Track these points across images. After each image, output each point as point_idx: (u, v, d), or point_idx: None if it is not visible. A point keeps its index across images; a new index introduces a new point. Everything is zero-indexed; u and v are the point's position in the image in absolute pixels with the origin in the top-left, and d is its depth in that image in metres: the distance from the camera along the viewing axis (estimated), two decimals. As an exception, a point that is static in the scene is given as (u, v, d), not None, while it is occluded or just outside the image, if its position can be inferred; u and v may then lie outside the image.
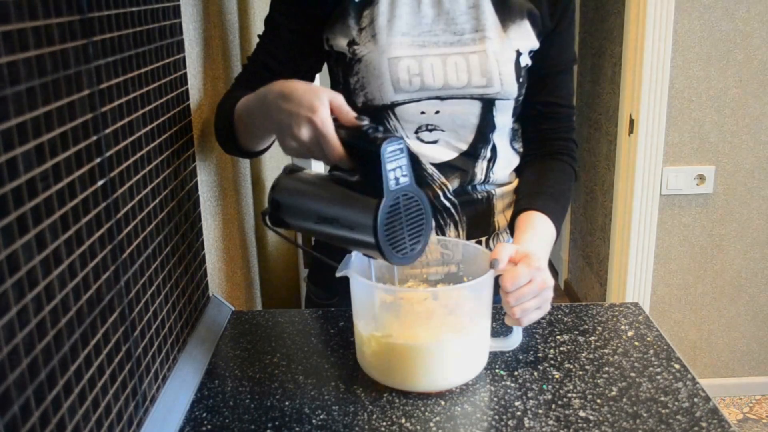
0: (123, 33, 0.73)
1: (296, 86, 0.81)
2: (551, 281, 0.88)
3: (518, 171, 1.15)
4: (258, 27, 1.61)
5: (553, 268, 3.67)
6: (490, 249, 1.02)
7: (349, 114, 0.79)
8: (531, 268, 0.85)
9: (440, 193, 1.06)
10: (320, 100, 0.78)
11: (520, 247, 0.89)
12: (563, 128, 1.12)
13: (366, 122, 0.79)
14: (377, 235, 0.76)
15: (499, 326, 1.02)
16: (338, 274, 0.86)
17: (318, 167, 1.70)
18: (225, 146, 1.04)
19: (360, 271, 0.88)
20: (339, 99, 0.80)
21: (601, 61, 2.83)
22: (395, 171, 0.76)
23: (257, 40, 1.11)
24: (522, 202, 1.06)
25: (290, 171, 0.87)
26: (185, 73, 0.97)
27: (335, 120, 0.79)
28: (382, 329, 0.87)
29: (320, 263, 1.20)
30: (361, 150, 0.77)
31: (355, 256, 0.90)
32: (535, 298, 0.86)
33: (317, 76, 1.17)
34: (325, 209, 0.81)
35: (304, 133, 0.78)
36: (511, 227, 1.05)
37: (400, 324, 0.89)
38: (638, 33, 2.30)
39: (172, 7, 0.91)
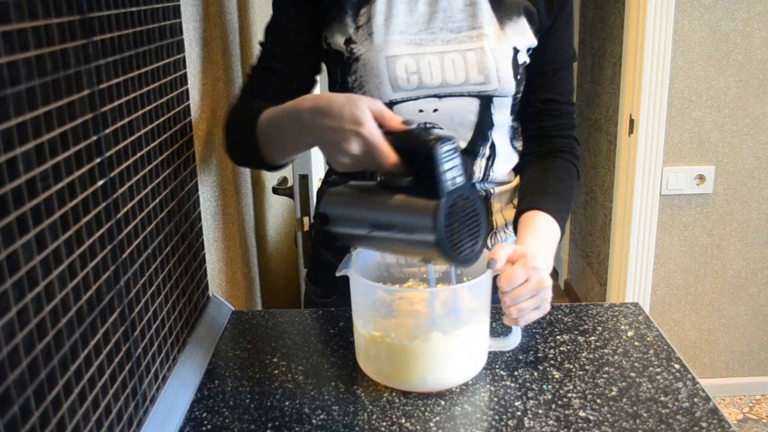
0: (123, 33, 0.73)
1: (332, 100, 0.80)
2: (549, 281, 0.87)
3: (518, 170, 1.15)
4: (258, 27, 1.61)
5: (553, 268, 3.67)
6: (488, 248, 1.02)
7: (393, 119, 0.78)
8: (527, 268, 0.85)
9: None
10: (362, 111, 0.77)
11: (518, 247, 0.89)
12: (564, 125, 1.12)
13: (414, 124, 0.78)
14: (440, 236, 0.75)
15: (500, 326, 1.02)
16: (338, 273, 0.86)
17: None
18: (241, 159, 1.03)
19: (361, 271, 0.88)
20: (379, 105, 0.79)
21: (601, 61, 2.83)
22: (450, 171, 0.75)
23: (257, 40, 1.11)
24: (524, 201, 1.06)
25: (333, 183, 0.86)
26: (185, 73, 0.97)
27: (380, 127, 0.78)
28: (381, 329, 0.87)
29: (319, 262, 1.20)
30: (414, 153, 0.76)
31: (356, 255, 0.90)
32: (532, 297, 0.86)
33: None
34: (380, 216, 0.80)
35: (355, 147, 0.77)
36: (515, 227, 1.05)
37: (400, 324, 0.89)
38: (638, 33, 2.30)
39: (172, 7, 0.91)
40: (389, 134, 0.78)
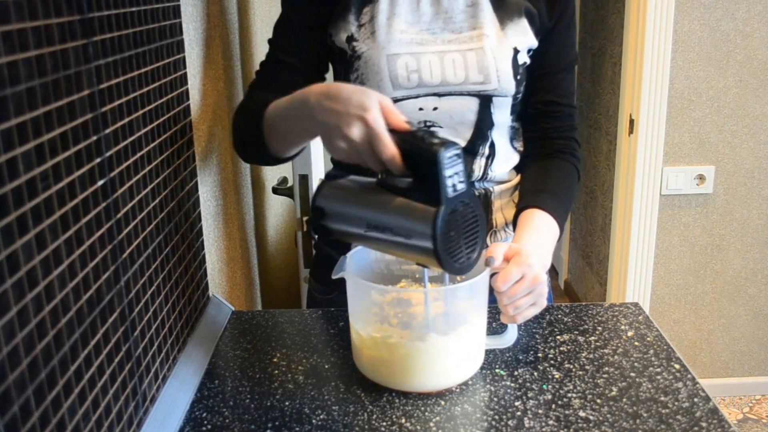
0: (123, 33, 0.73)
1: (342, 86, 0.80)
2: (544, 277, 0.88)
3: (519, 170, 1.15)
4: (258, 27, 1.61)
5: (553, 268, 3.67)
6: (487, 246, 1.02)
7: (399, 117, 0.78)
8: (522, 266, 0.85)
9: None
10: (370, 100, 0.77)
11: (513, 244, 0.89)
12: (564, 127, 1.12)
13: (417, 126, 0.77)
14: (437, 243, 0.73)
15: (499, 326, 1.02)
16: (334, 276, 0.86)
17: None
18: (247, 153, 1.03)
19: (357, 272, 0.88)
20: (388, 101, 0.78)
21: (601, 61, 2.83)
22: (453, 177, 0.74)
23: (257, 40, 1.11)
24: (524, 200, 1.06)
25: (332, 177, 0.84)
26: (185, 73, 0.97)
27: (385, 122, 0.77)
28: (381, 330, 0.87)
29: (321, 259, 1.20)
30: (416, 155, 0.75)
31: (350, 258, 0.89)
32: (528, 294, 0.86)
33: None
34: (377, 217, 0.78)
35: (356, 132, 0.76)
36: (514, 226, 1.05)
37: (399, 324, 0.89)
38: (638, 33, 2.30)
39: (172, 7, 0.91)
40: (393, 132, 0.76)
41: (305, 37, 1.06)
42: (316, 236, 0.84)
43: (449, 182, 0.73)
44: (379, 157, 0.77)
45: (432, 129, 1.04)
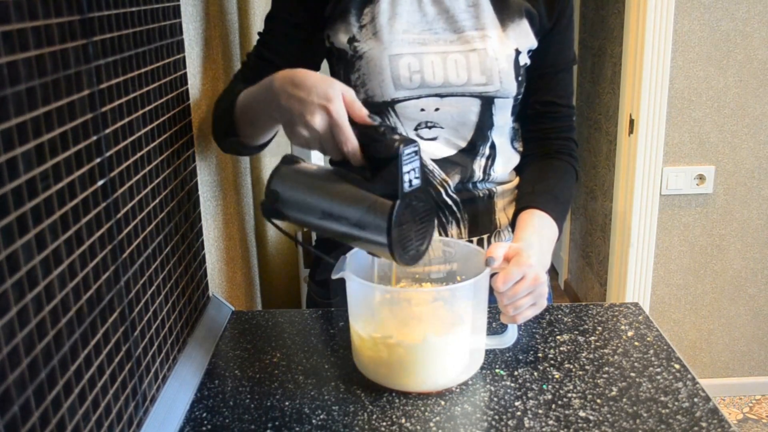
0: (123, 33, 0.73)
1: (307, 74, 0.80)
2: (544, 277, 0.88)
3: (519, 170, 1.15)
4: (258, 27, 1.61)
5: (553, 268, 3.67)
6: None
7: (361, 110, 0.79)
8: (522, 266, 0.85)
9: (442, 191, 1.07)
10: (335, 91, 0.77)
11: (512, 244, 0.89)
12: (563, 127, 1.12)
13: (378, 121, 0.78)
14: (390, 236, 0.75)
15: (499, 326, 1.02)
16: (334, 276, 0.86)
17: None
18: (223, 142, 1.03)
19: (357, 273, 0.88)
20: (352, 93, 0.79)
21: (601, 61, 2.83)
22: (410, 173, 0.76)
23: (257, 38, 1.11)
24: (522, 200, 1.06)
25: (290, 161, 0.85)
26: (185, 73, 0.97)
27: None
28: (381, 330, 0.87)
29: (322, 262, 1.19)
30: (375, 149, 0.76)
31: (351, 258, 0.89)
32: (528, 294, 0.86)
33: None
34: (332, 206, 0.79)
35: (318, 121, 0.77)
36: (513, 226, 1.05)
37: (398, 324, 0.89)
38: (638, 33, 2.30)
39: (172, 7, 0.91)
40: (354, 125, 0.78)
41: (292, 35, 1.06)
42: (267, 218, 0.85)
43: (406, 178, 0.75)
44: (339, 148, 0.78)
45: (433, 129, 1.04)
